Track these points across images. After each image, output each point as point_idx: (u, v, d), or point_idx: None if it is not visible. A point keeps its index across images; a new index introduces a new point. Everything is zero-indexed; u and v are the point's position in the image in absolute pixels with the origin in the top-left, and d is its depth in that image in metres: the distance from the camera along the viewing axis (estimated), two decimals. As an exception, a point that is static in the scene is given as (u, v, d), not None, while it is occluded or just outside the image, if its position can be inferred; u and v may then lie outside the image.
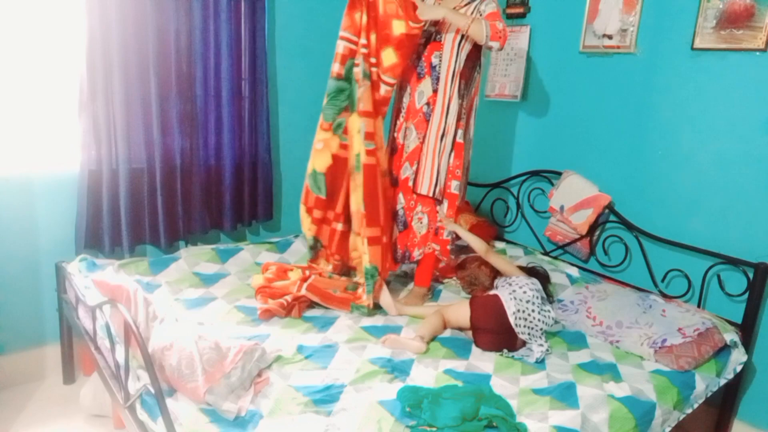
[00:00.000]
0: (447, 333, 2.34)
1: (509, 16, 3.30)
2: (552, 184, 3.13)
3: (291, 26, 3.20)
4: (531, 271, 2.58)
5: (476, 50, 2.51)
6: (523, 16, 3.24)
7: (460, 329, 2.36)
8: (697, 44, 2.51)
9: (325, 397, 1.78)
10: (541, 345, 2.20)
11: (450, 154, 2.56)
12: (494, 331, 2.22)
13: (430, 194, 2.57)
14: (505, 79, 3.34)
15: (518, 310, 2.22)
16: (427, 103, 2.52)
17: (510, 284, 2.39)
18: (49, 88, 2.57)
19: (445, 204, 2.61)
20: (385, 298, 2.48)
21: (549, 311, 2.30)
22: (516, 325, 2.20)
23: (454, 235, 2.65)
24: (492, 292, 2.36)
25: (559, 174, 3.07)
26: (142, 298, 2.02)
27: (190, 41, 2.79)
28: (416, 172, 2.59)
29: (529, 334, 2.22)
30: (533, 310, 2.25)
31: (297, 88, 3.30)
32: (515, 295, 2.28)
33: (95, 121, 2.57)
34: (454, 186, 2.59)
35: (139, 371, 1.80)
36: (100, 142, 2.60)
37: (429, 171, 2.55)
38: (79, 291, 2.22)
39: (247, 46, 2.97)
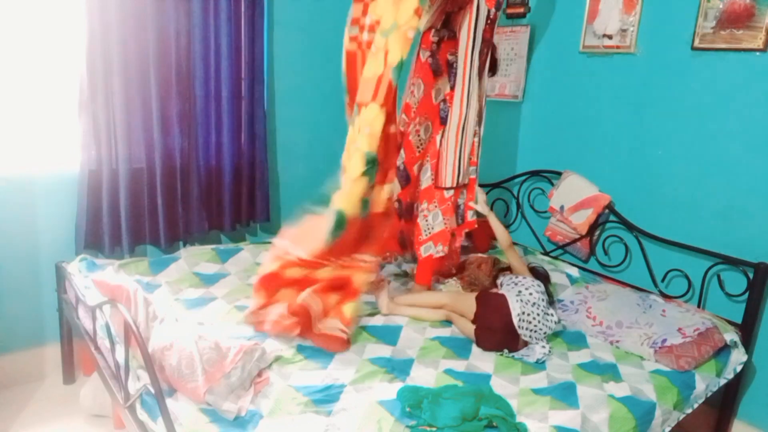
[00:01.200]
0: (447, 333, 2.34)
1: (509, 16, 3.30)
2: (552, 184, 3.13)
3: (290, 27, 3.20)
4: (532, 272, 2.58)
5: (485, 44, 2.54)
6: (523, 16, 3.24)
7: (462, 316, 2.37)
8: (697, 44, 2.51)
9: (325, 397, 1.78)
10: (543, 347, 2.20)
11: (471, 145, 2.62)
12: (496, 330, 2.22)
13: (454, 185, 2.61)
14: (505, 79, 3.34)
15: (523, 313, 2.22)
16: (444, 100, 2.54)
17: (516, 284, 2.38)
18: (50, 89, 2.57)
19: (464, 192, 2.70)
20: (382, 297, 2.48)
21: (553, 315, 2.31)
22: (519, 327, 2.20)
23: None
24: (500, 291, 2.37)
25: (559, 174, 3.07)
26: (142, 298, 2.02)
27: (190, 41, 2.78)
28: (436, 167, 2.61)
29: (530, 336, 2.22)
30: (538, 314, 2.25)
31: (296, 89, 3.30)
32: (521, 297, 2.28)
33: (95, 121, 2.57)
34: (472, 171, 2.69)
35: (139, 371, 1.80)
36: (100, 142, 2.60)
37: (451, 164, 2.59)
38: (79, 291, 2.22)
39: (247, 46, 2.96)
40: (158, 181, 2.77)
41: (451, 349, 2.20)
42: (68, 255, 2.62)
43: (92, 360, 2.12)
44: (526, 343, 2.24)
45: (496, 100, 3.40)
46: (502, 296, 2.30)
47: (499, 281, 2.55)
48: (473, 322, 2.29)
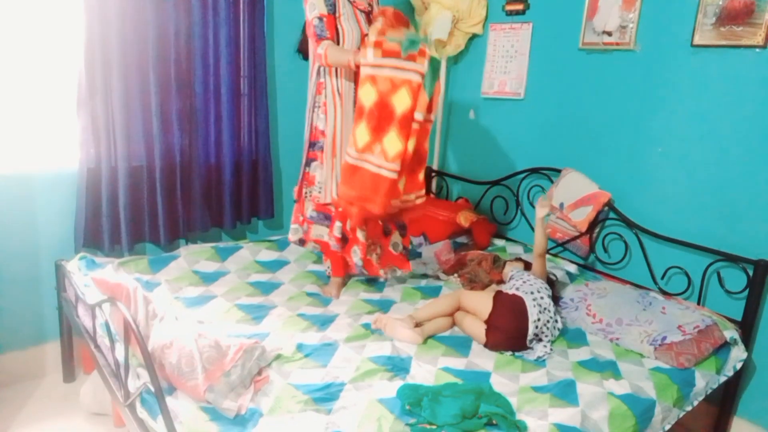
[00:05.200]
0: (447, 333, 2.33)
1: (509, 13, 3.29)
2: (552, 182, 3.13)
3: (289, 23, 3.20)
4: None
5: None
6: (522, 13, 3.23)
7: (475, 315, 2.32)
8: (697, 41, 2.50)
9: (325, 396, 1.78)
10: (545, 346, 2.20)
11: None
12: (510, 334, 2.19)
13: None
14: (505, 77, 3.34)
15: (538, 319, 2.21)
16: None
17: (525, 282, 2.36)
18: (48, 86, 2.56)
19: None
20: (404, 332, 2.19)
21: (557, 321, 2.31)
22: (534, 332, 2.19)
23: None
24: (514, 292, 2.31)
25: (559, 171, 3.07)
26: (142, 297, 2.01)
27: (190, 38, 2.78)
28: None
29: (538, 340, 2.22)
30: (548, 320, 2.24)
31: (296, 86, 3.29)
32: (537, 302, 2.26)
33: (94, 119, 2.57)
34: None
35: (139, 369, 1.80)
36: (99, 140, 2.59)
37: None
38: (78, 289, 2.22)
39: (246, 43, 2.96)
40: (158, 178, 2.77)
41: (451, 346, 2.20)
42: (68, 253, 2.62)
43: (92, 358, 2.12)
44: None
45: (495, 98, 3.40)
46: (521, 299, 2.27)
47: (510, 273, 2.51)
48: (486, 321, 2.27)
